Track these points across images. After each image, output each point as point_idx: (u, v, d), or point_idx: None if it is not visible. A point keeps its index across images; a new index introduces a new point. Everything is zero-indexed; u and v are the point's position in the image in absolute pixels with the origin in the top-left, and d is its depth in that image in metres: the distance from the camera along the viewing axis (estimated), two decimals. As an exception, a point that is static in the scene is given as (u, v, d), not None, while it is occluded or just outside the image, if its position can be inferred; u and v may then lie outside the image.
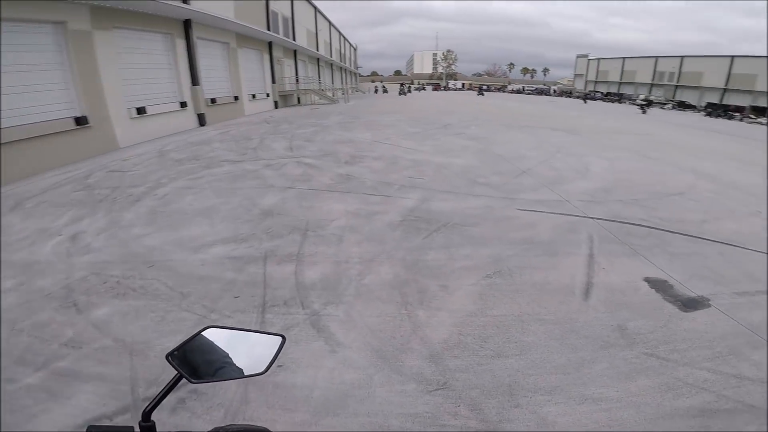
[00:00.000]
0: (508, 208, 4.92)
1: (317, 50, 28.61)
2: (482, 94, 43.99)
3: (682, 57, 46.42)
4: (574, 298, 3.00)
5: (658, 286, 3.21)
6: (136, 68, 9.95)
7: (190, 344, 0.81)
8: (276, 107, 20.34)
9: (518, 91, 60.99)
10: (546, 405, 1.99)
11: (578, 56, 66.24)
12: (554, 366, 2.26)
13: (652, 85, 49.81)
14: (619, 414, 1.95)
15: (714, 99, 41.39)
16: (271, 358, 0.82)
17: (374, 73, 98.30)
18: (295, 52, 23.58)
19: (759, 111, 32.06)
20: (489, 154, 8.45)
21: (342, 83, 40.20)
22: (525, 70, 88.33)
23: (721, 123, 25.41)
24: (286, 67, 22.26)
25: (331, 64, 35.88)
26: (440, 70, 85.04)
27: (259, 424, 0.96)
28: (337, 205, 4.94)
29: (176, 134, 11.02)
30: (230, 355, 0.81)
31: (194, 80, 12.22)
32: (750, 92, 38.89)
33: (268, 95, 19.56)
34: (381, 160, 7.63)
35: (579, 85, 64.39)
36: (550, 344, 2.45)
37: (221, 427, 0.75)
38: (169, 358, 0.77)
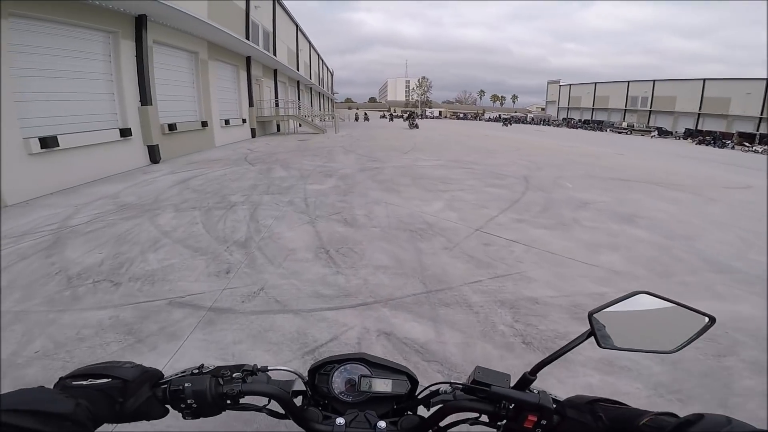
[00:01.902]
0: None
1: (298, 71, 25.27)
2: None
3: (654, 81, 47.45)
4: None
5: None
6: (49, 77, 6.26)
7: (616, 306, 0.70)
8: (253, 135, 16.77)
9: (496, 120, 60.49)
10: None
11: (549, 82, 67.60)
12: None
13: (625, 110, 50.60)
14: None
15: (688, 124, 42.10)
16: (687, 338, 0.68)
17: (348, 100, 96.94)
18: (275, 71, 20.17)
19: (746, 137, 31.71)
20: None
21: (320, 110, 37.14)
22: (495, 98, 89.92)
23: (728, 154, 23.39)
24: (266, 89, 18.85)
25: (311, 89, 32.81)
26: (415, 97, 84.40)
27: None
28: None
29: (109, 179, 7.24)
30: (647, 326, 0.73)
31: (144, 98, 8.55)
32: (724, 116, 39.63)
33: (244, 121, 15.97)
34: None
35: (551, 112, 65.39)
36: None
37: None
38: (592, 316, 0.68)
